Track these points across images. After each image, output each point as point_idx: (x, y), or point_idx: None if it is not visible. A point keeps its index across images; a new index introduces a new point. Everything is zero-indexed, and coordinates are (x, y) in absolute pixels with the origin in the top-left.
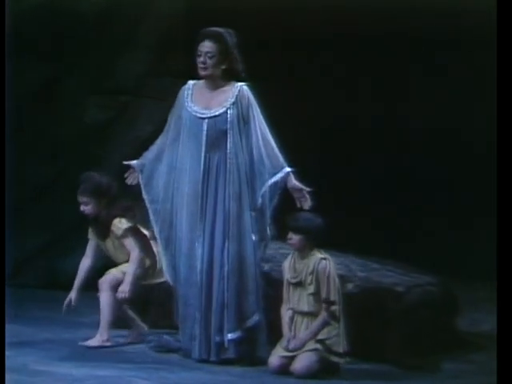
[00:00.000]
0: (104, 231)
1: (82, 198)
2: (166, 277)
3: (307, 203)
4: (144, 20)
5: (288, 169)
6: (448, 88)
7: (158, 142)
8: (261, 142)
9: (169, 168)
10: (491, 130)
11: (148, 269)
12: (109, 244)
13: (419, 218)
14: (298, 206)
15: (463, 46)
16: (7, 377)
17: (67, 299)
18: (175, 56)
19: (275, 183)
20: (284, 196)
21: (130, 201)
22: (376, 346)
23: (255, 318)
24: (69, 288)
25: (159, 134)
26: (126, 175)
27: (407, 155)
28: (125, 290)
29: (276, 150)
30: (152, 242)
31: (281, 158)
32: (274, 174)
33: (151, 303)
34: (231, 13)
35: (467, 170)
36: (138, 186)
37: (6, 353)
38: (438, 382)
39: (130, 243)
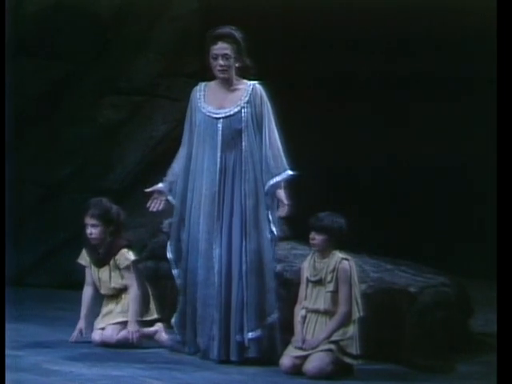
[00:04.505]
0: (106, 258)
1: (90, 221)
2: (177, 282)
3: (283, 213)
4: (158, 21)
5: (290, 172)
6: (447, 87)
7: (179, 155)
8: (267, 142)
9: (184, 173)
10: (491, 130)
11: (142, 306)
12: (105, 272)
13: (432, 217)
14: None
15: (463, 46)
16: (18, 377)
17: (77, 330)
18: (189, 56)
19: (273, 185)
20: (297, 198)
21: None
22: (389, 347)
23: (274, 315)
24: (82, 288)
25: (173, 133)
26: (148, 204)
27: (420, 156)
28: (134, 329)
29: (281, 151)
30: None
31: (284, 160)
32: (276, 174)
33: (164, 304)
34: (244, 13)
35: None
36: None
37: (20, 353)
38: (452, 383)
39: (132, 277)
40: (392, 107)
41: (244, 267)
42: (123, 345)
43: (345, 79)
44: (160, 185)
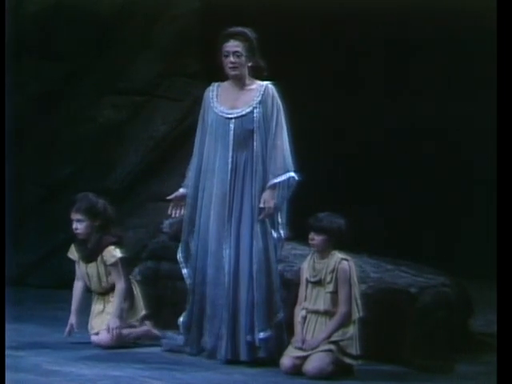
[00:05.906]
0: (93, 254)
1: (76, 216)
2: (186, 281)
3: (259, 217)
4: (158, 20)
5: (292, 174)
6: (448, 88)
7: (192, 156)
8: (273, 142)
9: (196, 173)
10: (491, 130)
11: (127, 306)
12: (92, 268)
13: (433, 217)
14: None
15: (463, 46)
16: (18, 377)
17: (68, 326)
18: (189, 56)
19: (274, 186)
20: (297, 198)
21: (121, 230)
22: (389, 347)
23: (280, 314)
24: None
25: (173, 133)
26: (169, 211)
27: (422, 157)
28: (114, 325)
29: (286, 152)
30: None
31: (288, 161)
32: (278, 175)
33: (165, 304)
34: (245, 13)
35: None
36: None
37: (20, 353)
38: (452, 383)
39: (118, 273)
40: (393, 108)
41: (254, 267)
42: (122, 345)
43: (342, 80)
44: (181, 190)
